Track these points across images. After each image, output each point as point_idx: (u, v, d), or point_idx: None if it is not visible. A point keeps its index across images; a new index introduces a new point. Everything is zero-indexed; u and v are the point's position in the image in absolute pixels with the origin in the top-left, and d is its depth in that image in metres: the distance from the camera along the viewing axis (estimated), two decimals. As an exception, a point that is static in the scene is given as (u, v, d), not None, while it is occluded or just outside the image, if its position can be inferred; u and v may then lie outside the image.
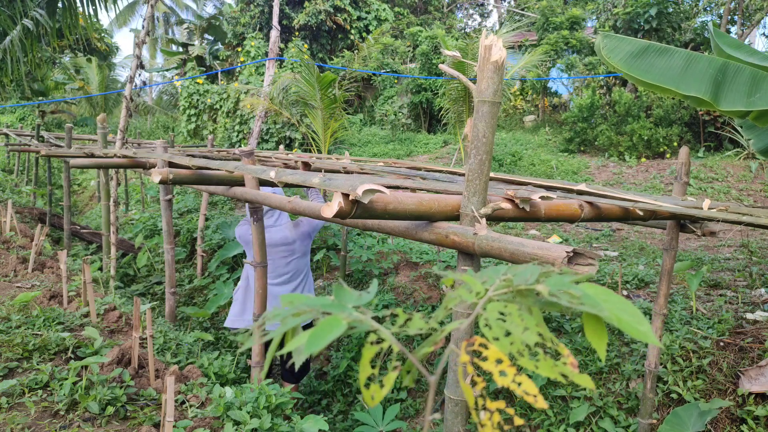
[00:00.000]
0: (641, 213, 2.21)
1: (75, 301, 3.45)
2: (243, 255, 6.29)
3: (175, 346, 3.36)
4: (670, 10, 10.72)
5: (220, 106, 13.62)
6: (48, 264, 4.48)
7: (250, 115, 12.39)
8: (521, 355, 0.55)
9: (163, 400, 1.99)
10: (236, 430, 2.18)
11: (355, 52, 15.14)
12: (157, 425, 2.25)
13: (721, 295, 4.01)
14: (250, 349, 3.60)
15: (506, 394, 3.88)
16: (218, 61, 18.11)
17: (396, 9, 18.45)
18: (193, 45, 19.70)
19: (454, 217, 1.80)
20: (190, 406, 2.39)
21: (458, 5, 22.78)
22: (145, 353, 2.72)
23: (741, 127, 4.51)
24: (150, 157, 4.23)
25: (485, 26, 23.58)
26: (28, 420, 2.16)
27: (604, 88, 11.55)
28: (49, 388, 2.39)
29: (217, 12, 22.76)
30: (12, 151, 11.28)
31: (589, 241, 6.67)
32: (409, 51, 15.59)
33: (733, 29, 11.28)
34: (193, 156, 3.86)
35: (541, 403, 0.53)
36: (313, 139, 10.26)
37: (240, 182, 3.07)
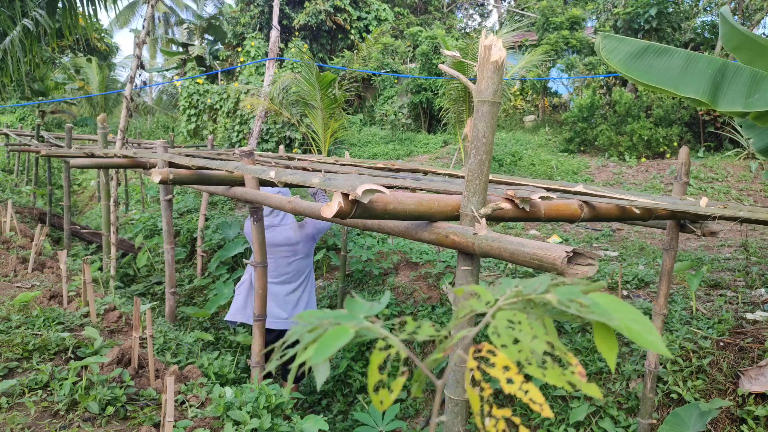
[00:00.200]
0: (638, 212, 2.21)
1: (75, 301, 3.45)
2: (243, 255, 6.29)
3: (175, 346, 3.36)
4: (670, 10, 10.72)
5: (220, 106, 13.63)
6: (48, 264, 4.48)
7: (250, 115, 12.39)
8: (529, 363, 0.55)
9: (163, 400, 1.99)
10: (236, 430, 2.18)
11: (355, 52, 15.14)
12: (157, 425, 2.25)
13: (721, 295, 4.01)
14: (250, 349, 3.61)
15: (506, 394, 3.88)
16: (218, 61, 18.11)
17: (396, 9, 18.45)
18: (193, 45, 19.71)
19: (454, 217, 1.80)
20: (190, 406, 2.39)
21: (458, 5, 22.78)
22: (145, 353, 2.72)
23: (741, 126, 4.51)
24: (150, 157, 4.23)
25: (485, 26, 23.58)
26: (28, 420, 2.16)
27: (604, 88, 11.55)
28: (49, 388, 2.39)
29: (217, 12, 22.77)
30: (12, 151, 11.29)
31: (589, 241, 6.67)
32: (409, 51, 15.59)
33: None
34: (193, 156, 3.86)
35: (547, 412, 0.53)
36: (313, 139, 10.26)
37: (240, 182, 3.07)
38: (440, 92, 12.55)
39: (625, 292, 4.35)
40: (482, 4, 23.51)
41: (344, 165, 3.94)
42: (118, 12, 21.24)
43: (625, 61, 3.56)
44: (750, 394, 2.97)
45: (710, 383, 3.16)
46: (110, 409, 2.25)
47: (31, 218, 7.71)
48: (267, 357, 3.43)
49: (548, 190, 2.15)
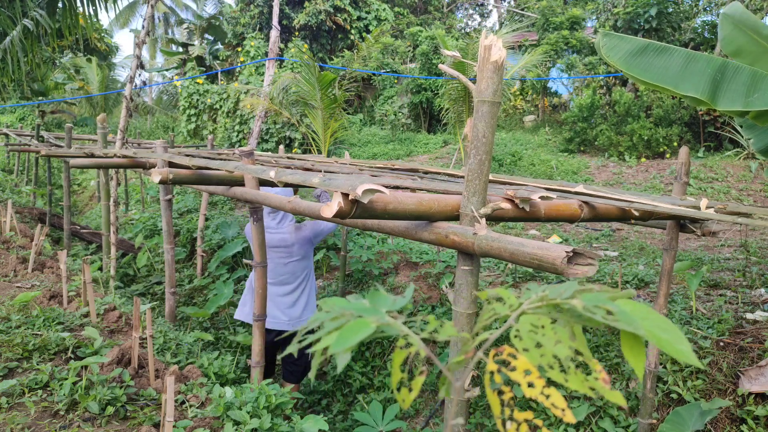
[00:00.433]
0: (637, 213, 2.21)
1: (75, 301, 3.45)
2: (242, 255, 6.29)
3: (175, 346, 3.35)
4: (670, 10, 10.72)
5: (220, 106, 13.63)
6: (48, 264, 4.48)
7: (250, 115, 12.39)
8: (551, 367, 0.54)
9: (163, 400, 1.99)
10: (236, 430, 2.18)
11: (355, 52, 15.14)
12: (157, 425, 2.25)
13: (721, 295, 4.01)
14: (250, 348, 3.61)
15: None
16: (218, 61, 18.11)
17: (396, 9, 18.45)
18: (193, 45, 19.71)
19: (454, 217, 1.80)
20: (190, 406, 2.39)
21: (458, 5, 22.78)
22: (145, 353, 2.72)
23: (741, 126, 4.51)
24: (150, 157, 4.23)
25: (485, 26, 23.58)
26: (28, 420, 2.16)
27: (604, 88, 11.55)
28: (49, 388, 2.39)
29: (217, 12, 22.77)
30: (12, 151, 11.28)
31: (589, 241, 6.67)
32: (409, 51, 15.59)
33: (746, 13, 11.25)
34: (193, 156, 3.86)
35: (569, 417, 0.52)
36: (313, 139, 10.27)
37: (240, 182, 3.07)
38: (440, 92, 12.56)
39: (625, 292, 4.35)
40: (482, 4, 23.51)
41: (344, 165, 3.94)
42: (118, 12, 21.24)
43: (625, 59, 3.56)
44: (750, 394, 2.97)
45: (710, 383, 3.16)
46: (110, 409, 2.25)
47: (31, 218, 7.71)
48: (267, 357, 3.43)
49: (548, 190, 2.15)
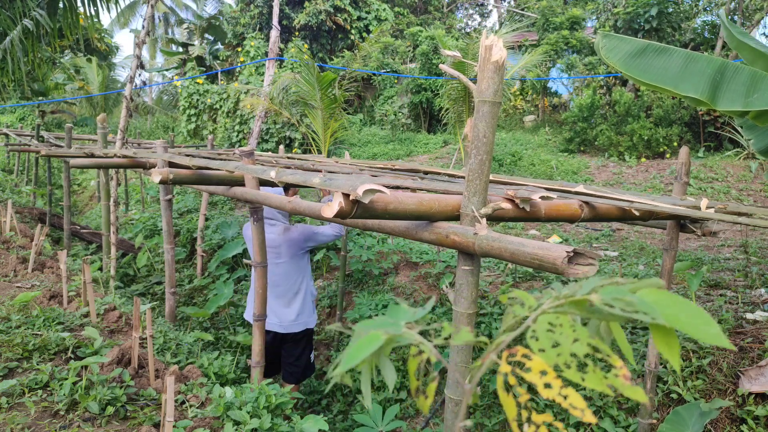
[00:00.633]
0: (637, 213, 2.21)
1: (75, 301, 3.45)
2: (243, 255, 6.29)
3: (175, 346, 3.35)
4: (670, 10, 10.72)
5: (220, 106, 13.62)
6: (48, 264, 4.48)
7: (250, 115, 12.39)
8: (568, 366, 0.53)
9: (163, 400, 1.99)
10: (236, 430, 2.18)
11: (356, 52, 15.14)
12: (157, 425, 2.25)
13: (721, 295, 4.01)
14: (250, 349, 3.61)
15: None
16: (218, 61, 18.11)
17: (396, 9, 18.45)
18: (193, 45, 19.71)
19: (455, 217, 1.80)
20: (190, 406, 2.39)
21: (458, 5, 22.78)
22: (145, 353, 2.72)
23: (741, 127, 4.51)
24: (150, 157, 4.23)
25: (485, 26, 23.59)
26: (28, 420, 2.16)
27: (604, 88, 11.55)
28: (49, 388, 2.39)
29: (217, 12, 22.77)
30: (12, 151, 11.28)
31: (589, 241, 6.67)
32: (409, 51, 15.59)
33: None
34: (193, 156, 3.86)
35: (589, 417, 0.51)
36: (313, 139, 10.26)
37: (240, 182, 3.07)
38: (440, 92, 12.56)
39: (625, 292, 4.35)
40: (482, 4, 23.52)
41: (344, 165, 3.94)
42: (118, 12, 21.24)
43: (624, 60, 3.56)
44: (750, 394, 2.97)
45: (710, 383, 3.16)
46: (110, 409, 2.25)
47: (31, 218, 7.71)
48: (267, 357, 3.43)
49: (548, 190, 2.15)
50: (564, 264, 1.35)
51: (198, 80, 14.48)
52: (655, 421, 3.03)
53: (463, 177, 3.06)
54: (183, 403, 2.42)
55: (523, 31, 14.57)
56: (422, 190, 2.31)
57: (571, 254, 1.35)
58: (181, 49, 20.64)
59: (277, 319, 3.84)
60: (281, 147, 6.85)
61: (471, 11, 23.45)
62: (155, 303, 5.31)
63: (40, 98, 18.56)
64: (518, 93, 15.01)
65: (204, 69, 17.77)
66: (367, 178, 2.01)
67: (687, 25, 11.32)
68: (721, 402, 2.87)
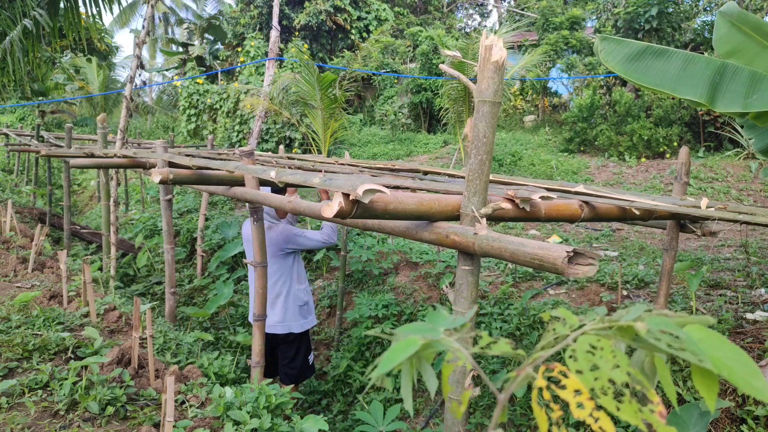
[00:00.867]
0: (638, 212, 2.21)
1: (75, 301, 3.45)
2: (243, 255, 6.29)
3: (175, 346, 3.35)
4: (670, 10, 10.72)
5: (220, 106, 13.63)
6: (48, 264, 4.48)
7: (250, 115, 12.39)
8: (604, 393, 0.51)
9: (163, 400, 1.99)
10: (236, 430, 2.18)
11: (356, 52, 15.15)
12: (157, 425, 2.25)
13: (721, 295, 4.01)
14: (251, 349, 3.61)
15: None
16: (218, 61, 18.11)
17: (396, 9, 18.46)
18: (193, 45, 19.71)
19: (455, 217, 1.80)
20: (190, 406, 2.39)
21: (458, 5, 22.78)
22: (145, 353, 2.72)
23: (742, 127, 4.52)
24: (150, 157, 4.23)
25: (485, 26, 23.59)
26: (28, 420, 2.16)
27: (604, 88, 11.55)
28: (49, 388, 2.39)
29: (217, 12, 22.77)
30: (12, 151, 11.28)
31: (589, 241, 6.67)
32: (409, 51, 15.59)
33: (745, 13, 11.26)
34: (193, 156, 3.86)
35: None
36: (313, 139, 10.27)
37: (240, 182, 3.07)
38: (440, 92, 12.55)
39: (625, 292, 4.35)
40: (482, 4, 23.52)
41: (344, 165, 3.94)
42: (120, 11, 21.24)
43: (623, 63, 3.56)
44: (750, 394, 2.96)
45: (710, 383, 3.16)
46: (110, 409, 2.25)
47: (31, 218, 7.71)
48: (266, 358, 3.42)
49: (548, 190, 2.15)
50: (564, 264, 1.35)
51: (198, 80, 14.48)
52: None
53: (463, 177, 3.06)
54: (183, 403, 2.42)
55: (523, 31, 14.57)
56: (422, 190, 2.31)
57: (571, 254, 1.35)
58: (181, 49, 20.64)
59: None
60: (281, 147, 6.85)
61: (471, 11, 23.46)
62: (155, 303, 5.31)
63: (40, 98, 18.56)
64: (518, 93, 15.01)
65: (204, 69, 17.78)
66: (367, 178, 2.01)
67: (687, 25, 11.32)
68: (721, 402, 2.86)
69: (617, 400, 0.51)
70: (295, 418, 2.37)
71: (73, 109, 20.60)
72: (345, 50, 15.82)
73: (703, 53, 9.45)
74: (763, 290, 4.00)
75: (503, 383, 0.57)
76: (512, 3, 22.69)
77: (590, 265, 1.36)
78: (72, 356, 2.70)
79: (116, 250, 6.14)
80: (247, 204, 3.66)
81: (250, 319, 4.12)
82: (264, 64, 13.61)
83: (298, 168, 3.55)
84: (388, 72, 14.85)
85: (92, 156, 5.00)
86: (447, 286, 2.01)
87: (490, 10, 23.69)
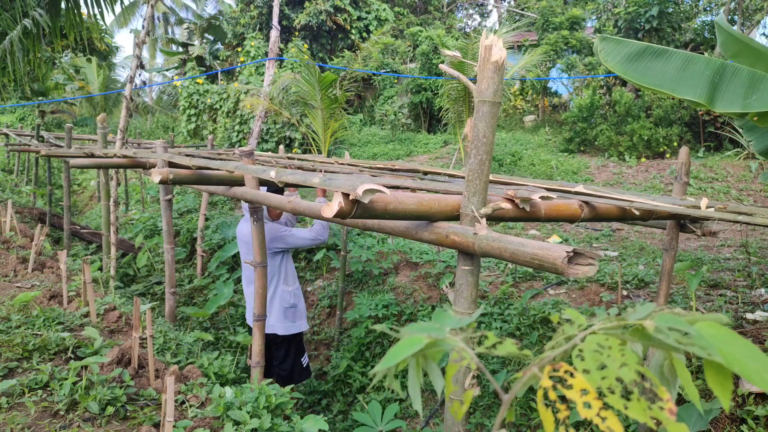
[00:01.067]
0: (638, 212, 2.21)
1: (75, 301, 3.45)
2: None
3: (175, 346, 3.35)
4: (671, 10, 10.72)
5: (220, 106, 13.62)
6: (48, 264, 4.48)
7: (250, 115, 12.39)
8: (612, 392, 0.51)
9: (163, 400, 1.99)
10: (236, 430, 2.18)
11: (356, 52, 15.15)
12: (157, 425, 2.25)
13: (721, 295, 4.01)
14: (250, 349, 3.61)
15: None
16: (218, 61, 18.11)
17: (396, 9, 18.46)
18: (193, 45, 19.71)
19: (454, 217, 1.80)
20: (190, 406, 2.39)
21: (458, 5, 22.78)
22: (145, 353, 2.72)
23: (742, 128, 4.52)
24: (150, 157, 4.23)
25: (485, 26, 23.59)
26: (28, 420, 2.16)
27: (604, 88, 11.55)
28: (49, 388, 2.39)
29: (217, 12, 22.77)
30: (12, 151, 11.29)
31: (589, 241, 6.67)
32: (409, 51, 15.59)
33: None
34: (193, 156, 3.86)
35: None
36: (313, 139, 10.27)
37: (240, 182, 3.07)
38: (440, 92, 12.55)
39: (625, 292, 4.35)
40: (482, 4, 23.52)
41: (343, 165, 3.94)
42: (121, 10, 21.23)
43: (622, 63, 3.56)
44: (750, 394, 2.97)
45: (710, 383, 3.15)
46: (110, 409, 2.25)
47: (31, 218, 7.71)
48: (272, 358, 3.42)
49: (548, 190, 2.15)
50: (564, 264, 1.35)
51: (198, 80, 14.48)
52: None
53: (462, 177, 3.06)
54: (183, 403, 2.42)
55: (523, 31, 14.57)
56: (422, 190, 2.31)
57: (571, 254, 1.35)
58: (181, 49, 20.64)
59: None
60: (281, 147, 6.85)
61: (471, 11, 23.46)
62: (155, 303, 5.31)
63: (40, 98, 18.56)
64: (518, 93, 15.01)
65: (204, 69, 17.78)
66: (367, 178, 2.01)
67: (687, 26, 11.32)
68: (721, 402, 2.86)
69: (625, 398, 0.50)
70: (295, 418, 2.37)
71: (73, 109, 20.60)
72: (345, 50, 15.82)
73: (703, 53, 9.46)
74: (763, 290, 4.00)
75: (508, 383, 0.56)
76: (512, 3, 22.69)
77: (590, 265, 1.36)
78: (72, 356, 2.70)
79: (116, 250, 6.14)
80: (244, 204, 3.67)
81: (247, 319, 4.12)
82: (264, 64, 13.61)
83: (298, 168, 3.55)
84: (388, 72, 14.85)
85: (92, 156, 5.00)
86: (447, 286, 2.01)
87: (490, 10, 23.70)
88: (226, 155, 5.12)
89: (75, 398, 2.29)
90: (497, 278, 5.07)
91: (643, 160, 10.06)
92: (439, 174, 3.46)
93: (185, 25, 24.41)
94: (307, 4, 15.85)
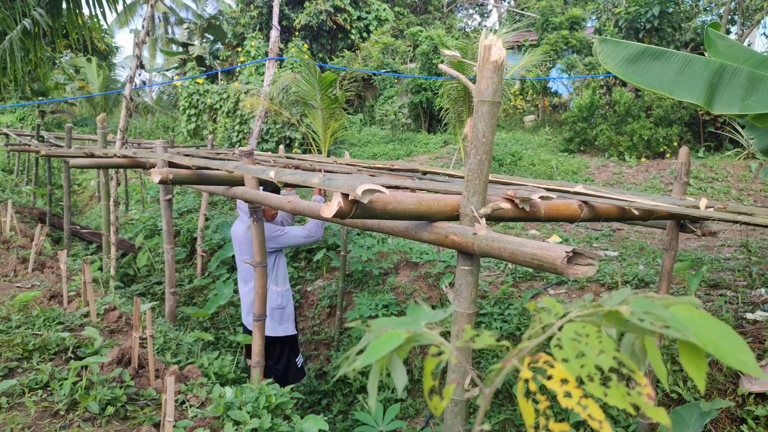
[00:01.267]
0: (638, 212, 2.21)
1: (75, 301, 3.45)
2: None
3: (175, 346, 3.35)
4: (671, 10, 10.72)
5: (220, 106, 13.62)
6: (48, 264, 4.48)
7: (250, 115, 12.39)
8: (591, 379, 0.51)
9: (163, 400, 1.99)
10: (236, 430, 2.18)
11: (356, 52, 15.15)
12: (157, 425, 2.25)
13: (721, 295, 4.01)
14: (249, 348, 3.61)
15: (506, 394, 3.88)
16: (218, 61, 18.11)
17: (396, 9, 18.46)
18: (193, 45, 19.71)
19: (454, 217, 1.80)
20: (190, 406, 2.39)
21: (458, 5, 22.78)
22: (145, 353, 2.72)
23: (743, 127, 4.52)
24: (150, 157, 4.23)
25: (485, 26, 23.59)
26: (28, 420, 2.16)
27: (604, 87, 11.55)
28: (49, 388, 2.39)
29: (217, 12, 22.77)
30: (12, 151, 11.29)
31: (589, 241, 6.67)
32: (409, 51, 15.59)
33: (733, 29, 11.28)
34: (193, 156, 3.86)
35: (606, 430, 0.49)
36: (313, 139, 10.26)
37: (240, 182, 3.07)
38: (440, 92, 12.55)
39: (625, 292, 4.35)
40: (482, 4, 23.52)
41: (342, 165, 3.94)
42: (121, 10, 21.24)
43: (621, 64, 3.56)
44: (750, 394, 2.97)
45: (710, 383, 3.16)
46: (110, 409, 2.25)
47: (31, 218, 7.71)
48: (267, 358, 3.42)
49: (548, 190, 2.15)
50: (564, 264, 1.35)
51: (198, 80, 14.48)
52: (655, 421, 3.02)
53: (462, 177, 3.06)
54: (183, 403, 2.42)
55: (523, 31, 14.57)
56: (422, 190, 2.31)
57: (571, 254, 1.35)
58: (181, 49, 20.64)
59: (250, 318, 3.86)
60: (281, 147, 6.85)
61: (471, 11, 23.46)
62: (155, 303, 5.31)
63: (40, 98, 18.56)
64: (518, 93, 15.01)
65: (204, 69, 17.78)
66: (366, 178, 2.01)
67: (687, 25, 11.32)
68: (721, 402, 2.86)
69: (604, 385, 0.51)
70: (295, 418, 2.37)
71: (73, 109, 20.60)
72: (345, 50, 15.82)
73: (703, 53, 9.45)
74: (763, 290, 4.00)
75: (489, 374, 0.56)
76: (512, 3, 22.69)
77: (590, 265, 1.36)
78: (72, 356, 2.70)
79: (116, 250, 6.14)
80: (238, 203, 3.66)
81: (243, 320, 4.11)
82: (264, 64, 13.60)
83: (297, 168, 3.55)
84: (388, 72, 14.85)
85: (92, 156, 5.00)
86: (447, 286, 2.01)
87: (490, 10, 23.70)
88: (225, 155, 5.12)
89: (75, 398, 2.29)
90: (497, 278, 5.07)
91: (643, 160, 10.06)
92: (438, 174, 3.46)
93: (185, 25, 24.41)
94: (307, 4, 15.85)
